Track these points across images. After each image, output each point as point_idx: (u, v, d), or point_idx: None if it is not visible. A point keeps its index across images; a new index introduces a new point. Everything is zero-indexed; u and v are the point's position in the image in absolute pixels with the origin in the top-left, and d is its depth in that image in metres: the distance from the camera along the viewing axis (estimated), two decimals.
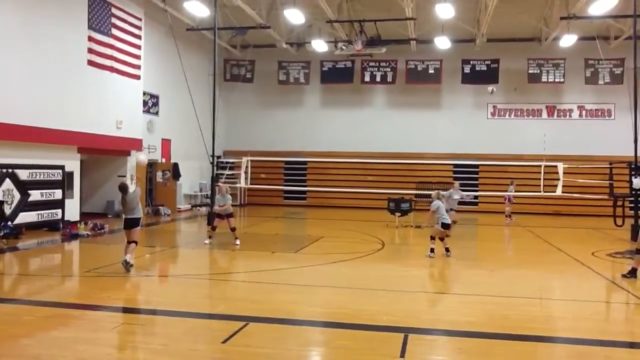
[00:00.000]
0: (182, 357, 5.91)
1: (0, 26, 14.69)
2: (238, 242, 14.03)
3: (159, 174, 23.30)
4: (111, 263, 10.86)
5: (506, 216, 21.90)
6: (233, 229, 14.11)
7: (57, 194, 16.63)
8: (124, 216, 10.88)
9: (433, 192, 13.51)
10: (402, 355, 6.04)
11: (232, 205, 14.34)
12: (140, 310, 8.03)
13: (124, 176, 20.42)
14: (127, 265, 10.21)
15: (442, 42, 24.32)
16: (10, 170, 14.99)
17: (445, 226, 12.73)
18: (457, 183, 18.92)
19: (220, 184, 15.85)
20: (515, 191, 21.88)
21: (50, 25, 16.37)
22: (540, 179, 19.66)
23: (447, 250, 12.70)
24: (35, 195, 15.72)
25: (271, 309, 8.01)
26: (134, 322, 7.46)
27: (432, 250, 12.63)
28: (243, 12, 21.59)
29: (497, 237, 15.81)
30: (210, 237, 14.42)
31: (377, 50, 24.33)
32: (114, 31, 19.04)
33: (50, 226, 16.14)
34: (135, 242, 10.63)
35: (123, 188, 10.78)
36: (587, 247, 14.53)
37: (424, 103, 27.73)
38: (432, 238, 12.78)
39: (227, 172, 23.52)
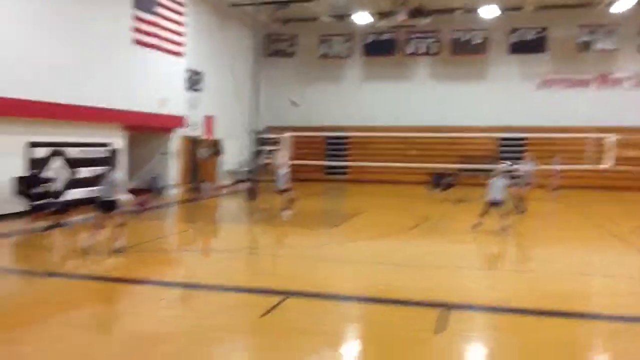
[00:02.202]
0: (222, 330, 6.02)
1: (47, 9, 15.02)
2: (289, 213, 14.14)
3: (202, 150, 23.60)
4: (154, 238, 11.10)
5: (552, 190, 21.28)
6: (292, 200, 14.33)
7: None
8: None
9: (495, 169, 13.20)
10: (440, 331, 5.99)
11: (273, 181, 14.44)
12: (181, 285, 8.19)
13: (166, 153, 20.79)
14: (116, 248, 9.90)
15: (488, 11, 23.61)
16: (59, 149, 15.46)
17: (492, 204, 12.30)
18: (528, 153, 17.05)
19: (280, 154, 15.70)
20: (562, 164, 21.23)
21: (95, 4, 16.63)
22: (589, 151, 19.06)
23: (503, 229, 12.14)
24: (83, 172, 16.18)
25: (310, 284, 8.07)
26: (175, 296, 7.63)
27: (477, 223, 12.39)
28: None
29: (542, 212, 15.42)
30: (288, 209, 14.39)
31: (421, 20, 23.82)
32: (158, 9, 19.20)
33: None
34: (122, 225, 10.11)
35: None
36: (635, 222, 14.02)
37: (468, 75, 27.08)
38: (482, 215, 12.52)
39: (269, 147, 23.68)
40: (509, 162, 13.30)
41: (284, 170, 14.34)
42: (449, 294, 7.56)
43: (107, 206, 9.98)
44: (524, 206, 15.41)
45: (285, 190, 14.33)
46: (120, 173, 10.19)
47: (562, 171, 21.37)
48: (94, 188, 16.48)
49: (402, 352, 5.45)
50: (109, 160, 17.21)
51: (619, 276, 8.85)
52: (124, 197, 10.13)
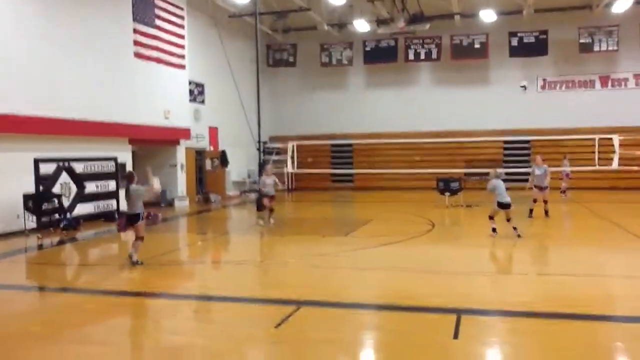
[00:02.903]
0: (238, 342, 6.03)
1: (52, 25, 15.17)
2: (272, 221, 14.74)
3: (208, 162, 23.67)
4: (166, 252, 11.12)
5: (561, 192, 21.28)
6: (271, 210, 14.89)
7: (112, 185, 17.12)
8: (127, 211, 10.37)
9: (490, 171, 13.06)
10: (456, 336, 5.99)
11: (279, 191, 14.65)
12: (196, 297, 8.21)
13: (175, 165, 20.88)
14: (132, 261, 9.97)
15: (488, 15, 23.65)
16: (66, 164, 15.52)
17: (502, 205, 12.24)
18: (538, 157, 16.43)
19: (267, 166, 16.19)
20: (570, 165, 21.23)
21: (97, 20, 16.78)
22: (595, 152, 19.04)
23: (514, 229, 12.15)
24: (90, 187, 16.23)
25: (323, 292, 8.07)
26: (190, 308, 7.64)
27: (493, 229, 12.32)
28: None
29: (552, 214, 15.39)
30: (262, 218, 14.95)
31: (420, 27, 23.88)
32: (158, 22, 19.34)
33: (106, 217, 16.65)
34: (142, 238, 10.15)
35: (129, 177, 10.39)
36: None
37: (470, 79, 27.12)
38: (491, 217, 12.49)
39: (274, 157, 23.74)
40: (501, 171, 13.12)
41: (270, 180, 14.85)
42: (466, 299, 7.54)
43: (132, 219, 10.10)
44: (546, 208, 15.39)
45: (272, 198, 14.88)
46: (139, 185, 10.22)
47: (571, 172, 21.34)
48: (104, 202, 16.70)
49: (421, 359, 5.44)
50: (115, 174, 17.32)
51: (637, 277, 8.82)
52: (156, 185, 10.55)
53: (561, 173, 21.32)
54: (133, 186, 10.10)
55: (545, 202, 15.54)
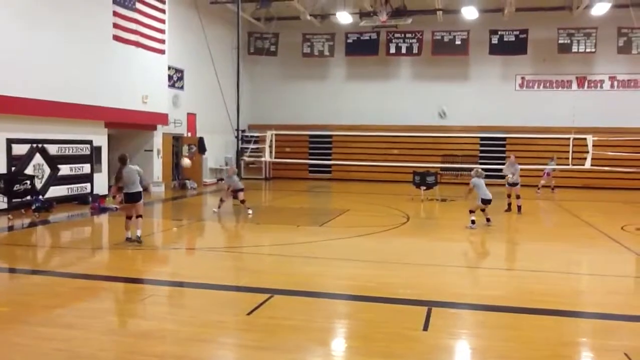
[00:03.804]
0: (208, 328, 6.02)
1: (28, 5, 14.82)
2: (250, 211, 14.79)
3: (185, 148, 23.48)
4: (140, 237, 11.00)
5: (537, 189, 21.61)
6: (243, 201, 15.05)
7: (86, 168, 16.93)
8: (124, 190, 10.55)
9: (472, 171, 13.68)
10: (426, 328, 6.07)
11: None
12: (168, 282, 8.17)
13: (151, 150, 20.67)
14: (139, 240, 10.39)
15: (469, 12, 23.78)
16: (40, 146, 15.28)
17: (486, 202, 12.97)
18: (512, 156, 16.84)
19: (228, 166, 16.43)
20: (543, 165, 21.52)
21: (76, 1, 16.45)
22: (569, 151, 19.34)
23: (487, 220, 13.07)
24: (64, 169, 16.03)
25: (296, 281, 8.10)
26: (162, 293, 7.61)
27: (472, 222, 12.85)
28: None
29: (525, 211, 15.64)
30: (219, 207, 15.20)
31: (402, 21, 23.96)
32: (138, 5, 19.05)
33: (80, 200, 16.45)
34: (141, 216, 10.70)
35: (123, 159, 10.63)
36: (617, 221, 14.30)
37: (450, 75, 27.29)
38: (471, 211, 13.04)
39: (252, 145, 23.65)
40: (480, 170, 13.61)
41: (232, 178, 15.39)
42: (437, 291, 7.65)
43: (133, 198, 10.52)
44: (518, 204, 15.70)
45: (241, 191, 15.25)
46: (135, 166, 10.74)
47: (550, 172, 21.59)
48: (78, 185, 16.50)
49: (390, 349, 5.50)
50: (90, 158, 17.11)
51: (607, 274, 8.99)
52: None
53: (544, 172, 21.60)
54: (127, 167, 10.45)
55: (518, 197, 15.80)
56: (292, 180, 26.99)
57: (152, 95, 19.90)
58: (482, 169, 13.83)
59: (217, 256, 10.12)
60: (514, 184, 15.98)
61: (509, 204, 15.92)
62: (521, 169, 16.36)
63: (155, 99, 20.21)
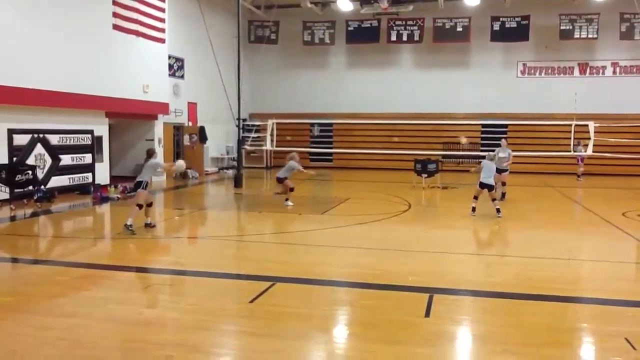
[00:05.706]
0: (210, 315, 6.04)
1: None
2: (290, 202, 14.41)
3: (186, 137, 23.48)
4: (141, 225, 11.03)
5: (578, 176, 21.62)
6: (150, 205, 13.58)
7: (87, 158, 16.93)
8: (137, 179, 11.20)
9: (487, 154, 13.72)
10: (427, 314, 6.08)
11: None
12: (170, 271, 8.19)
13: (152, 140, 20.65)
14: (150, 224, 11.03)
15: None
16: (41, 136, 15.28)
17: (482, 185, 12.77)
18: (504, 140, 16.78)
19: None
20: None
21: None
22: (570, 138, 19.29)
23: (497, 211, 12.68)
24: (66, 159, 16.03)
25: (298, 269, 8.12)
26: (164, 282, 7.63)
27: (473, 209, 12.86)
28: None
29: (525, 198, 15.62)
30: (287, 199, 14.62)
31: (403, 8, 23.86)
32: None
33: (82, 190, 16.47)
34: (144, 205, 10.95)
35: (151, 153, 11.42)
36: (618, 208, 14.29)
37: (451, 62, 27.18)
38: (475, 197, 13.03)
39: (253, 134, 23.63)
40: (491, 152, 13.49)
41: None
42: (438, 278, 7.66)
43: (135, 186, 11.14)
44: (503, 190, 15.61)
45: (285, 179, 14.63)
46: (157, 161, 11.50)
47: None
48: (79, 175, 16.51)
49: (392, 335, 5.51)
50: (91, 148, 17.11)
51: (608, 260, 8.97)
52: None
53: (577, 158, 21.55)
54: (151, 161, 11.15)
55: (504, 184, 15.70)
56: None
57: (152, 84, 19.85)
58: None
59: (219, 244, 10.13)
60: (503, 170, 15.73)
61: (504, 194, 15.64)
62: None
63: (156, 89, 20.17)
